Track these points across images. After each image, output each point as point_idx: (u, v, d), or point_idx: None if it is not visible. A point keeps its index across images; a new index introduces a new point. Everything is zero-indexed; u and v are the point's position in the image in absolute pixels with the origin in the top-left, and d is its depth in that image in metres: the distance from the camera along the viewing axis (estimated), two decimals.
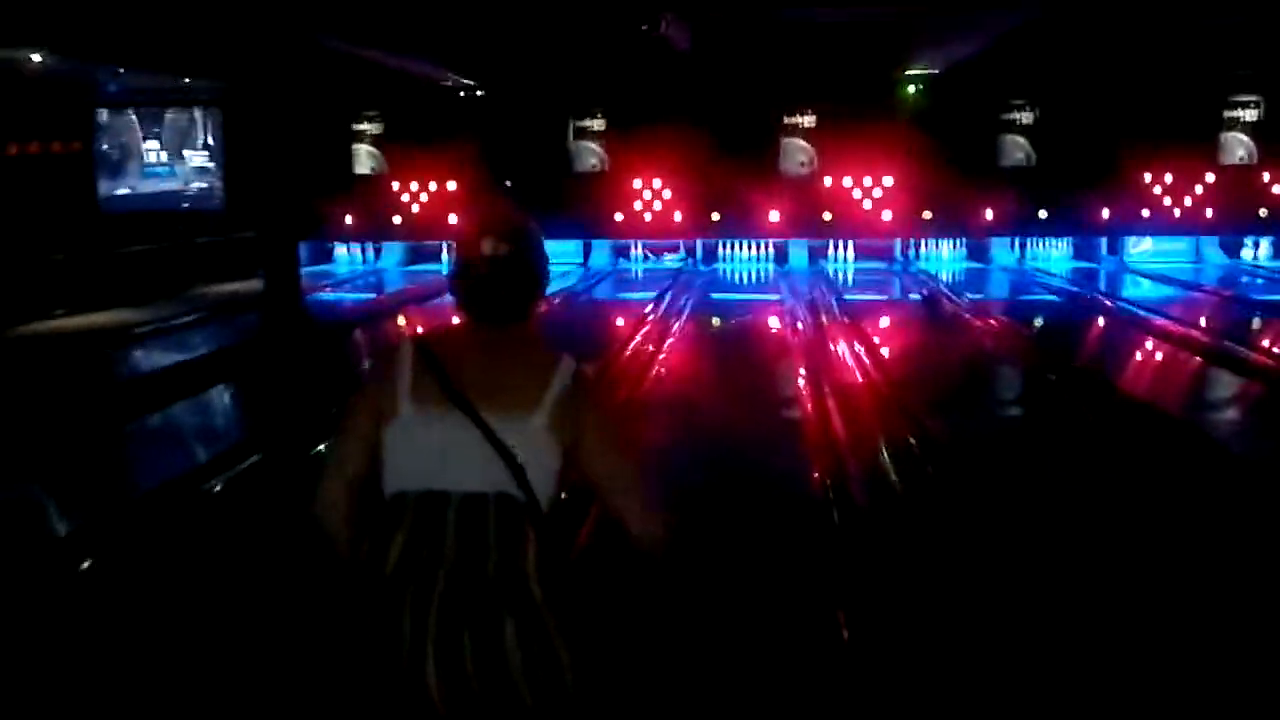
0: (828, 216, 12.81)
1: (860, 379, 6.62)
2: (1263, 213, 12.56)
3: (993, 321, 8.93)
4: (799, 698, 2.82)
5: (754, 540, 3.92)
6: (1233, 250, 13.41)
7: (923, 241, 13.57)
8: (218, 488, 4.64)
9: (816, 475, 4.60)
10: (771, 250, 13.56)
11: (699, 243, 13.58)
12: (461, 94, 12.85)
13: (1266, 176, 12.48)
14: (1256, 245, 13.46)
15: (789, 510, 4.22)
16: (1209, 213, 12.61)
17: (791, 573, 3.62)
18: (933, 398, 6.02)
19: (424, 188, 13.09)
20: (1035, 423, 5.98)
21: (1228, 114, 12.46)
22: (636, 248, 13.97)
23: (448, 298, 7.95)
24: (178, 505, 4.42)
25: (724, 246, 13.67)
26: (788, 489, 4.48)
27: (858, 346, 7.56)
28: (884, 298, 11.49)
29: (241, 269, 11.18)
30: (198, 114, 13.37)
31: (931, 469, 4.65)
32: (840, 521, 4.06)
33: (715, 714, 2.76)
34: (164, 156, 13.37)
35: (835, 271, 13.07)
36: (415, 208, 13.13)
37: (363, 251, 14.21)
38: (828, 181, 12.76)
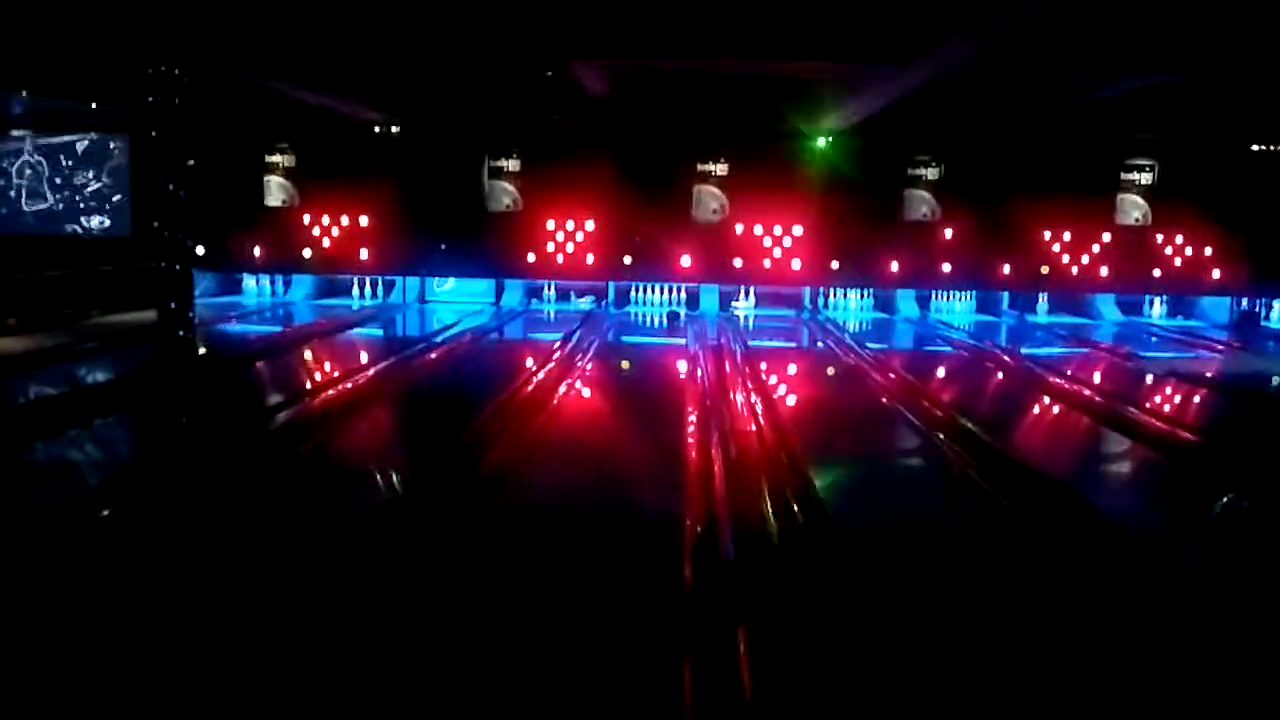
0: (738, 263, 12.97)
1: (753, 427, 6.63)
2: (1156, 273, 13.03)
3: (891, 374, 9.02)
4: None
5: (611, 579, 3.95)
6: (1130, 309, 13.83)
7: (831, 291, 13.83)
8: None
9: (688, 521, 4.55)
10: (683, 295, 13.72)
11: (611, 285, 13.66)
12: (377, 130, 12.79)
13: (1160, 238, 12.96)
14: (1152, 304, 13.95)
15: (651, 552, 4.22)
16: (1104, 271, 13.02)
17: (640, 615, 3.61)
18: (819, 449, 6.13)
19: (335, 222, 13.00)
20: (916, 482, 6.02)
21: (1124, 176, 12.84)
22: (549, 288, 14.02)
23: (355, 332, 8.04)
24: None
25: (636, 290, 13.79)
26: (654, 530, 4.48)
27: (754, 397, 7.59)
28: (790, 345, 11.59)
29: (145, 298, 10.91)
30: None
31: (804, 520, 4.66)
32: (702, 568, 4.00)
33: None
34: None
35: (745, 318, 13.22)
36: (326, 241, 13.03)
37: (272, 284, 14.07)
38: (739, 229, 12.93)
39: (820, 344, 11.39)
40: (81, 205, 13.16)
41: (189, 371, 8.61)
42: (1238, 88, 10.20)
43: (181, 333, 8.82)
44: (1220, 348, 11.48)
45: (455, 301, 13.88)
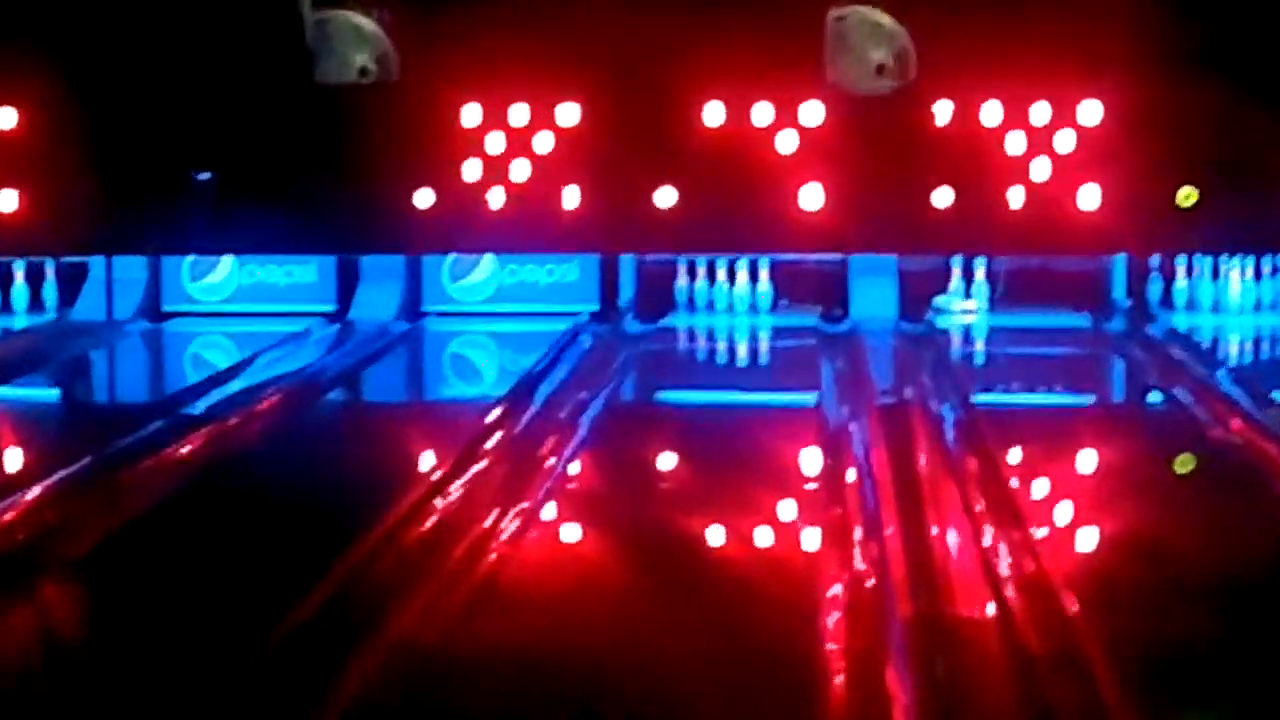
0: (947, 197, 12.70)
1: (991, 613, 6.37)
2: None
3: None
4: None
5: None
6: None
7: (1176, 264, 13.65)
8: None
9: None
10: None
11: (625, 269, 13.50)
12: None
13: None
14: None
15: None
16: None
17: None
18: (1156, 660, 5.79)
19: None
20: None
21: None
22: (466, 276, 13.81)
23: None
24: None
25: (687, 275, 13.71)
26: None
27: (990, 533, 7.46)
28: (1078, 401, 11.53)
29: None
30: None
31: None
32: None
33: None
34: None
35: (964, 333, 13.22)
36: None
37: None
38: (944, 112, 12.70)
39: (1156, 392, 11.49)
40: None
41: None
42: None
43: None
44: None
45: (237, 314, 14.11)
